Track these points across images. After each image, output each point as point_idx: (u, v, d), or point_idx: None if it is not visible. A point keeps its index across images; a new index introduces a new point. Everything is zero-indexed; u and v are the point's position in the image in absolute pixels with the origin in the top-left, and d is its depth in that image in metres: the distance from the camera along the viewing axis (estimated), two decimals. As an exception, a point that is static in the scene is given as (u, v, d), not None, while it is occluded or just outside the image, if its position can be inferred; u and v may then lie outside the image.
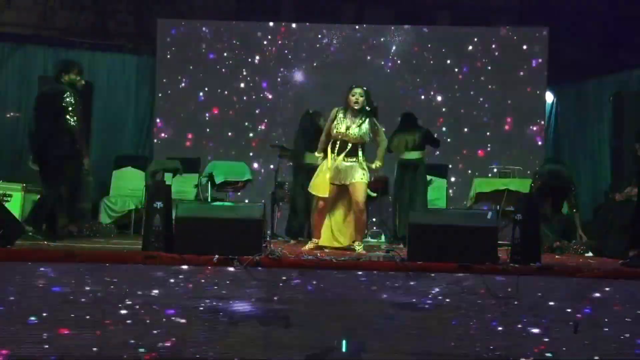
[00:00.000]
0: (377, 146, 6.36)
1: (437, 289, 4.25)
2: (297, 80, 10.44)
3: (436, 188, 9.05)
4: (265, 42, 10.49)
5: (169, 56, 10.46)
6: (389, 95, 9.55)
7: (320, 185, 6.14)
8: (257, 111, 10.45)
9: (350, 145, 6.08)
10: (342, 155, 6.08)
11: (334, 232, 6.48)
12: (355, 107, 6.05)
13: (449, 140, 10.09)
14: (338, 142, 6.11)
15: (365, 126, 6.09)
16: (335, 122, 6.11)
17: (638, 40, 9.53)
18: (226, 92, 10.45)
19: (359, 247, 6.14)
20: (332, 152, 6.13)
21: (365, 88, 6.14)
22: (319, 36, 10.47)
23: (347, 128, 6.05)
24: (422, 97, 10.32)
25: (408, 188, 7.64)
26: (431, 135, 7.96)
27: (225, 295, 4.21)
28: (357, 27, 10.62)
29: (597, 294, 4.23)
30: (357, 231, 6.28)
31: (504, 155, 10.08)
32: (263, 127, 10.41)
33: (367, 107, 6.13)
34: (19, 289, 4.12)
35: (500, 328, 4.14)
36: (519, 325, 4.14)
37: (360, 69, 10.11)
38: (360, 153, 6.15)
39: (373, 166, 6.27)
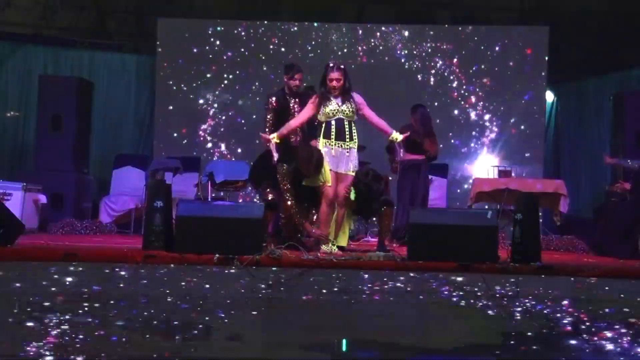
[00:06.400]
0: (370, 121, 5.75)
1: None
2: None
3: (436, 187, 9.04)
4: (265, 42, 10.48)
5: (169, 56, 10.45)
6: (389, 95, 9.53)
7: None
8: (257, 110, 10.43)
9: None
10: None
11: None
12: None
13: (449, 139, 10.07)
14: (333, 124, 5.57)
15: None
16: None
17: (638, 40, 9.52)
18: (226, 92, 10.45)
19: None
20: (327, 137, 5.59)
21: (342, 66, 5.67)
22: (319, 36, 10.46)
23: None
24: (423, 95, 10.30)
25: (410, 189, 7.57)
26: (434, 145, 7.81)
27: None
28: (357, 26, 10.62)
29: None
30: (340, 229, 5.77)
31: (504, 154, 10.08)
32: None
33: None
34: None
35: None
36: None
37: (360, 68, 10.09)
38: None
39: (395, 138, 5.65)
